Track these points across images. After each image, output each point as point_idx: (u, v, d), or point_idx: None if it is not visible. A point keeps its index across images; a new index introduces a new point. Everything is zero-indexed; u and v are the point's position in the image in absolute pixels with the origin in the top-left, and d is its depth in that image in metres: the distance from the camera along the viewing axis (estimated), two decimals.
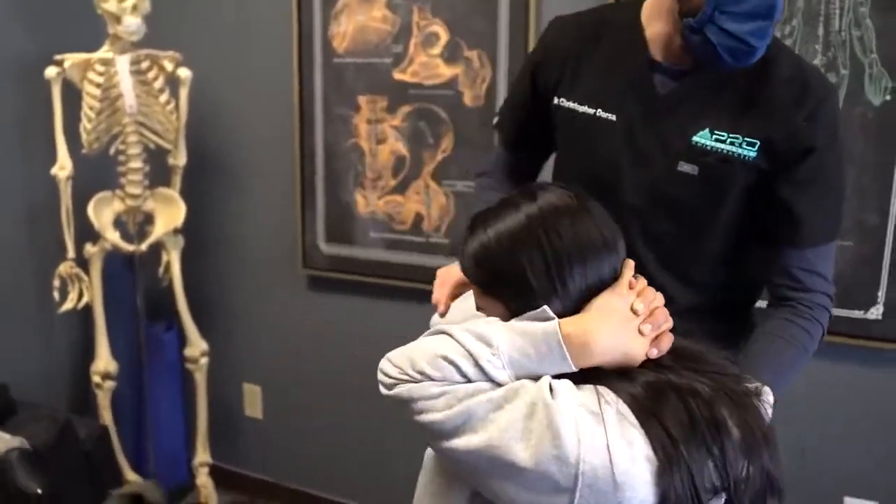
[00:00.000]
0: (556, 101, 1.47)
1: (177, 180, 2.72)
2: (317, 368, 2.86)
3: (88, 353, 2.72)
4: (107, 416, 2.65)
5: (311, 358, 2.86)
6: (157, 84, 2.61)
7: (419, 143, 2.51)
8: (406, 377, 1.01)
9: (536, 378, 1.00)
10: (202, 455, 2.84)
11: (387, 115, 2.54)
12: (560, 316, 1.02)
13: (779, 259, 1.38)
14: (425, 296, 2.54)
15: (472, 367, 0.99)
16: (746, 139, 1.33)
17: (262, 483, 3.02)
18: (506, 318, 1.06)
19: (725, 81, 1.34)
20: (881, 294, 2.08)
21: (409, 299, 2.62)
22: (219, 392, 2.95)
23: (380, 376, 1.06)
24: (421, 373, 1.00)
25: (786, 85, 1.33)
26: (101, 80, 2.53)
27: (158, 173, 2.70)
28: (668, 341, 1.05)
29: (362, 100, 2.57)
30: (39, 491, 1.93)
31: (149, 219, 2.71)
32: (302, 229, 2.73)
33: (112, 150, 2.62)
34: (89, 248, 2.64)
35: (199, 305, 2.82)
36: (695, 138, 1.35)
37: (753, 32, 1.22)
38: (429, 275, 2.53)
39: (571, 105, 1.44)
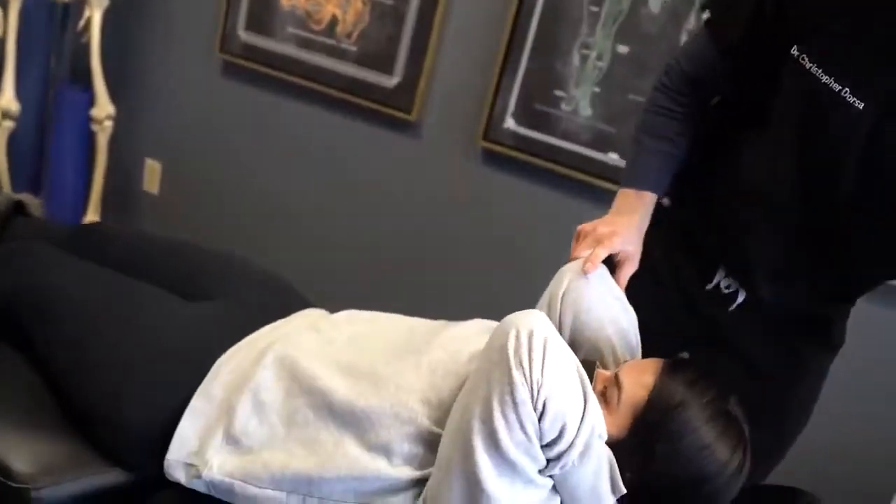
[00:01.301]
0: (794, 51, 1.14)
1: None
2: (219, 153, 2.92)
3: None
4: None
5: (215, 142, 2.92)
6: None
7: None
8: (534, 390, 0.96)
9: None
10: (92, 215, 2.92)
11: None
12: None
13: None
14: (327, 100, 2.61)
15: (560, 447, 0.99)
16: None
17: None
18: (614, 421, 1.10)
19: None
20: None
21: (312, 101, 2.68)
22: (120, 163, 3.01)
23: (520, 339, 0.99)
24: (543, 407, 0.97)
25: None
26: None
27: None
28: None
29: None
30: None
31: None
32: (226, 13, 2.73)
33: None
34: None
35: (114, 70, 2.84)
36: None
37: None
38: (334, 79, 2.59)
39: (812, 68, 1.12)
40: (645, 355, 1.47)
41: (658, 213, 1.39)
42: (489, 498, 0.99)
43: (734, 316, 1.38)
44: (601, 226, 1.29)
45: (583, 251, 1.27)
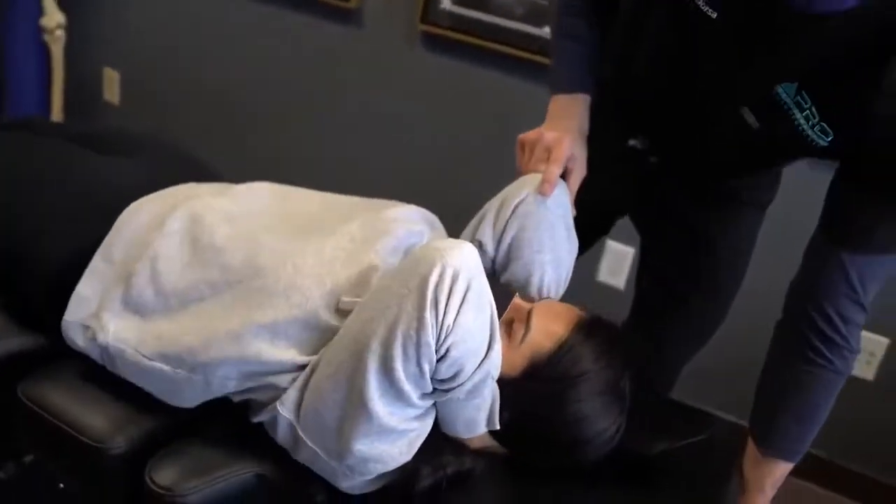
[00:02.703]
0: None
1: None
2: (175, 60, 2.91)
3: None
4: None
5: (175, 50, 2.91)
6: None
7: None
8: (442, 335, 0.96)
9: None
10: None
11: None
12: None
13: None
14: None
15: (450, 385, 1.01)
16: (822, 123, 1.08)
17: None
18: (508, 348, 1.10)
19: (862, 46, 0.99)
20: None
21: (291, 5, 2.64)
22: (78, 74, 3.01)
23: (443, 278, 0.96)
24: (445, 352, 0.97)
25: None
26: None
27: None
28: None
29: None
30: None
31: None
32: None
33: None
34: None
35: None
36: (780, 88, 1.08)
37: None
38: None
39: None
40: (591, 216, 1.43)
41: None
42: (369, 413, 1.00)
43: (655, 169, 1.42)
44: (546, 132, 1.27)
45: (538, 164, 1.25)
